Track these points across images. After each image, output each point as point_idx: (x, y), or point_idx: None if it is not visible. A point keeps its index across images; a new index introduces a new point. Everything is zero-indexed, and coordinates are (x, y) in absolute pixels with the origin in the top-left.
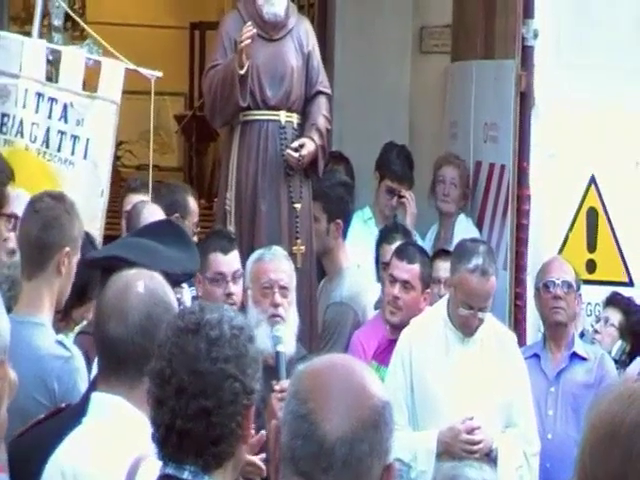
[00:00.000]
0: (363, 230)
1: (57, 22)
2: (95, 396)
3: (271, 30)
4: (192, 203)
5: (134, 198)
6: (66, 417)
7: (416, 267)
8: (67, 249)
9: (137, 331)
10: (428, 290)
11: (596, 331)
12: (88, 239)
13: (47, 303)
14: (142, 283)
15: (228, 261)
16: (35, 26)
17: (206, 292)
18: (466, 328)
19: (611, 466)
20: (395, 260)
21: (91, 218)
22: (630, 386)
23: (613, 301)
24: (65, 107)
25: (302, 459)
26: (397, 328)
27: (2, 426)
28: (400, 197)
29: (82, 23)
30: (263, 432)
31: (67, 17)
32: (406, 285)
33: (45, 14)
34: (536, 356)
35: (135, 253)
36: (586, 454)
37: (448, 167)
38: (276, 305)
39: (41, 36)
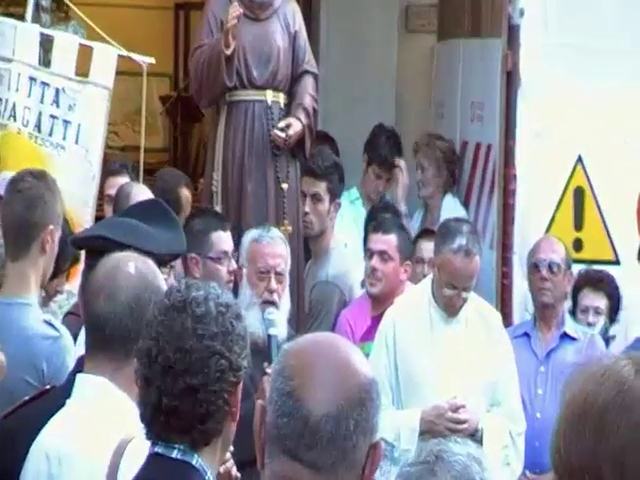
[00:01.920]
0: (350, 210)
1: (45, 2)
2: (80, 377)
3: (257, 10)
4: (184, 195)
5: (115, 181)
6: (51, 398)
7: (392, 237)
8: (51, 227)
9: (125, 310)
10: (408, 262)
11: (589, 324)
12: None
13: (33, 283)
14: (133, 265)
15: (228, 239)
16: (29, 10)
17: (209, 272)
18: (450, 308)
19: (583, 445)
20: (371, 234)
21: (83, 203)
22: (603, 364)
23: (598, 285)
24: (57, 92)
25: (287, 437)
26: (379, 301)
27: None
28: (394, 166)
29: (71, 5)
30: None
31: None
32: (384, 256)
33: None
34: (526, 335)
35: (120, 233)
36: (560, 433)
37: (425, 150)
38: (271, 291)
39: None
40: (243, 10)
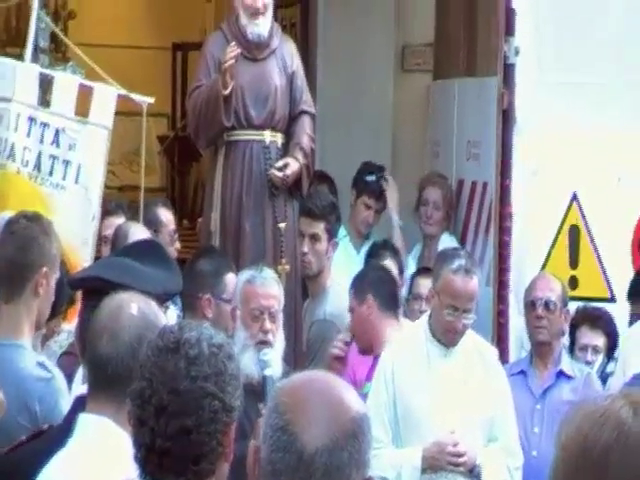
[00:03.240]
0: (339, 248)
1: (43, 43)
2: (82, 417)
3: (255, 50)
4: (163, 213)
5: (111, 221)
6: (50, 438)
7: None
8: (45, 269)
9: (127, 350)
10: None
11: (588, 362)
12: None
13: (26, 325)
14: (135, 305)
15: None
16: (28, 50)
17: (221, 313)
18: (450, 334)
19: None
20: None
21: (83, 242)
22: (601, 405)
23: (596, 323)
24: (57, 132)
25: (282, 472)
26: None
27: None
28: (382, 178)
29: (71, 44)
30: None
31: (50, 38)
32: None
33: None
34: (523, 373)
35: (116, 273)
36: (558, 476)
37: (431, 189)
38: (265, 332)
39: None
40: (241, 50)
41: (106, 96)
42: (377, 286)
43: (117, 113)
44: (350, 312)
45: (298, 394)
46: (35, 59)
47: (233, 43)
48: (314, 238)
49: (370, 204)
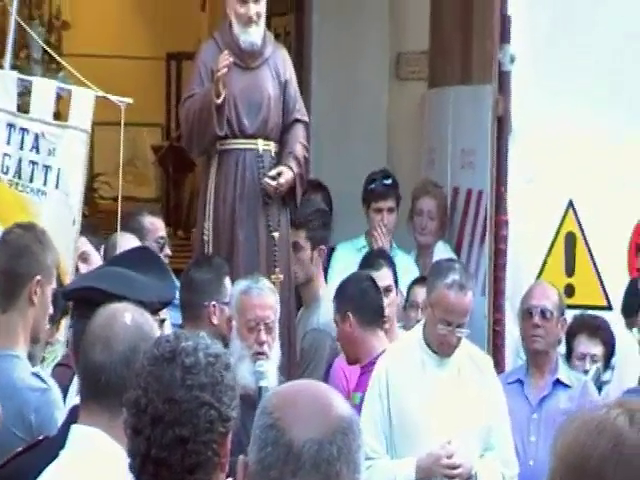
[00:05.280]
0: (357, 259)
1: (36, 54)
2: (74, 428)
3: (248, 59)
4: (148, 220)
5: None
6: (44, 449)
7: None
8: (38, 278)
9: (120, 360)
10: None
11: (586, 371)
12: None
13: (21, 335)
14: (130, 315)
15: None
16: (7, 57)
17: (226, 317)
18: (444, 346)
19: None
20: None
21: (65, 248)
22: (595, 415)
23: (594, 332)
24: (37, 137)
25: (272, 466)
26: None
27: None
28: (384, 178)
29: (56, 56)
30: None
31: (44, 49)
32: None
33: (23, 46)
34: (519, 382)
35: (109, 283)
36: None
37: (425, 198)
38: (261, 343)
39: (20, 68)
40: (233, 59)
41: (84, 99)
42: (357, 301)
43: (111, 124)
44: (335, 324)
45: (286, 396)
46: (29, 70)
47: (226, 52)
48: (296, 247)
49: (380, 207)
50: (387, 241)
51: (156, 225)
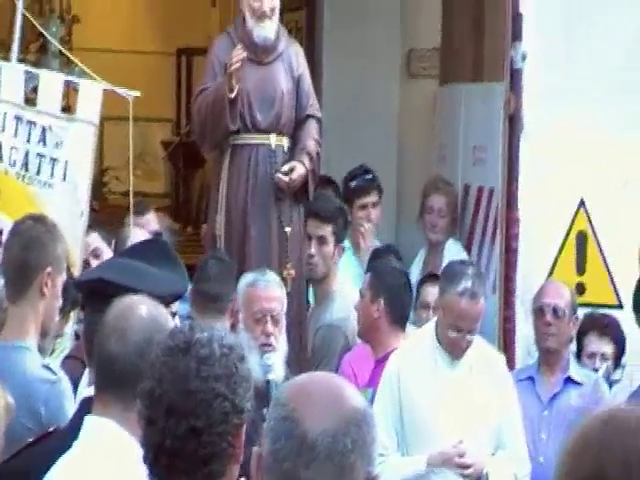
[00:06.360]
0: (343, 259)
1: (54, 48)
2: (88, 419)
3: (261, 53)
4: (142, 215)
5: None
6: (56, 440)
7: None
8: (49, 269)
9: (135, 351)
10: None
11: (596, 369)
12: None
13: (32, 326)
14: (145, 308)
15: None
16: (14, 49)
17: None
18: (455, 350)
19: (587, 456)
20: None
21: (73, 240)
22: (607, 410)
23: (604, 330)
24: (44, 130)
25: (285, 458)
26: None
27: None
28: (365, 173)
29: (62, 48)
30: None
31: (61, 44)
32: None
33: (38, 40)
34: (530, 379)
35: (121, 275)
36: (561, 461)
37: (436, 195)
38: (268, 335)
39: (37, 61)
40: (247, 54)
41: (92, 92)
42: (393, 294)
43: (121, 118)
44: (360, 296)
45: (300, 387)
46: (47, 64)
47: (239, 46)
48: (321, 241)
49: (364, 202)
50: (373, 237)
51: (148, 218)
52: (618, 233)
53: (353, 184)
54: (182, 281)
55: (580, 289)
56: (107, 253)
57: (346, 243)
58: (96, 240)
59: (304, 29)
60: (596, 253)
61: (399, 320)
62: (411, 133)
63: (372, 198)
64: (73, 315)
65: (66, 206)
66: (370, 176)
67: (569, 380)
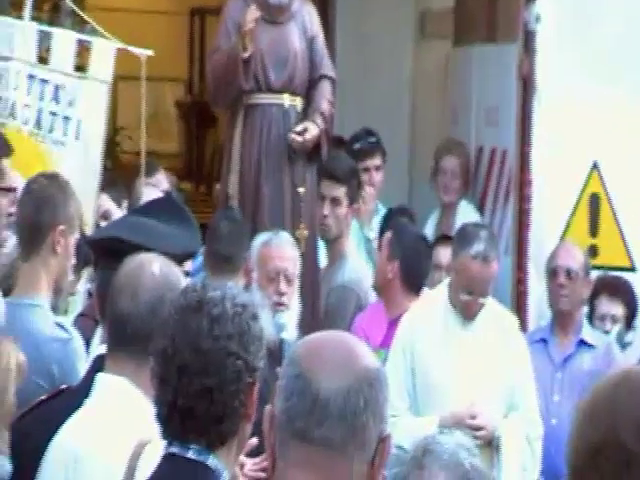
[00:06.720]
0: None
1: (67, 7)
2: (100, 377)
3: (275, 13)
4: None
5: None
6: (68, 398)
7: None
8: (61, 227)
9: (147, 309)
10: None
11: (607, 331)
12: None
13: (44, 284)
14: (157, 266)
15: None
16: (27, 8)
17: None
18: (467, 312)
19: (590, 437)
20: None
21: (85, 198)
22: (619, 373)
23: (615, 292)
24: (57, 88)
25: (298, 416)
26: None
27: (9, 412)
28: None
29: (76, 8)
30: None
31: (75, 3)
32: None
33: None
34: (543, 341)
35: (133, 233)
36: (573, 429)
37: (448, 157)
38: (281, 294)
39: (50, 20)
40: (261, 13)
41: (104, 50)
42: (409, 258)
43: (135, 78)
44: (377, 249)
45: (313, 346)
46: (61, 22)
47: (253, 6)
48: (335, 201)
49: (367, 165)
50: (375, 200)
51: (159, 179)
52: (631, 196)
53: (356, 147)
54: (195, 239)
55: (593, 251)
56: (117, 214)
57: None
58: (106, 202)
59: None
60: (609, 215)
61: (413, 286)
62: (424, 94)
63: (375, 161)
64: (85, 273)
65: (79, 165)
66: (374, 139)
67: (582, 342)
